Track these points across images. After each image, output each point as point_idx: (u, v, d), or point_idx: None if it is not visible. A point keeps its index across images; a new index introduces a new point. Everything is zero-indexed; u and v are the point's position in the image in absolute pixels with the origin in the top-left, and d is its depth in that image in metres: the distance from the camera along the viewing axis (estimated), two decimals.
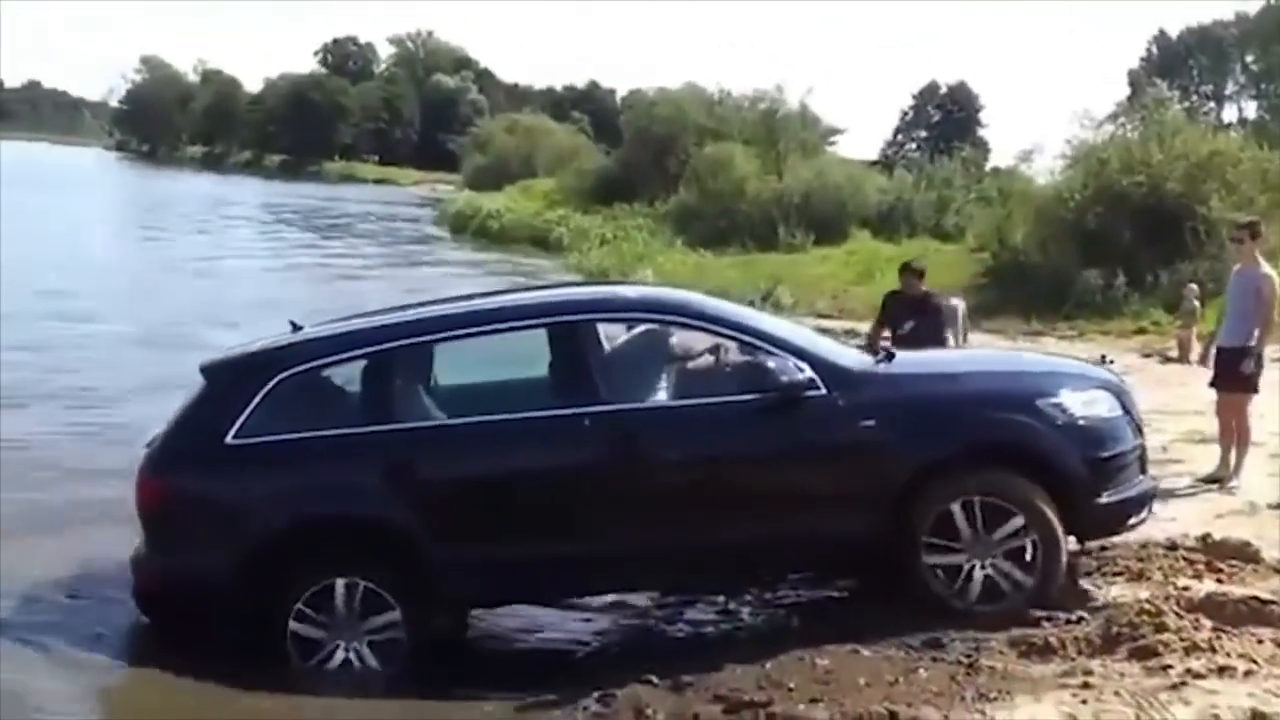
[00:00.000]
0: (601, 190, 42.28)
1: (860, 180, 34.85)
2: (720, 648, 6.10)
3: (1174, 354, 16.22)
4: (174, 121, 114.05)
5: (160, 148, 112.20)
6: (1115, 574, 6.65)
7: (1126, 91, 53.77)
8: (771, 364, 6.16)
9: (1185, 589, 6.23)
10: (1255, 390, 9.09)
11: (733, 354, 6.72)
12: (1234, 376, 9.04)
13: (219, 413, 6.22)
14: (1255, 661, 5.17)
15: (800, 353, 6.27)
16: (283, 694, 5.88)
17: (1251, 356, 8.98)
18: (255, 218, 47.64)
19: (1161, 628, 5.48)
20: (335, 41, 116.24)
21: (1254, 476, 8.84)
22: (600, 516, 6.14)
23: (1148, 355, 16.92)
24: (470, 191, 56.24)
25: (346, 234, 42.05)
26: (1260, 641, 5.41)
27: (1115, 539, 6.94)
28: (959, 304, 15.55)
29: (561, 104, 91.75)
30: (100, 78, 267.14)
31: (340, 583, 6.01)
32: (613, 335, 6.77)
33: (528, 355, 6.65)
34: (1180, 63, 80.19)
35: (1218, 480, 8.92)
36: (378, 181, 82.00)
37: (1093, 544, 6.94)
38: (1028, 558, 6.09)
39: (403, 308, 7.29)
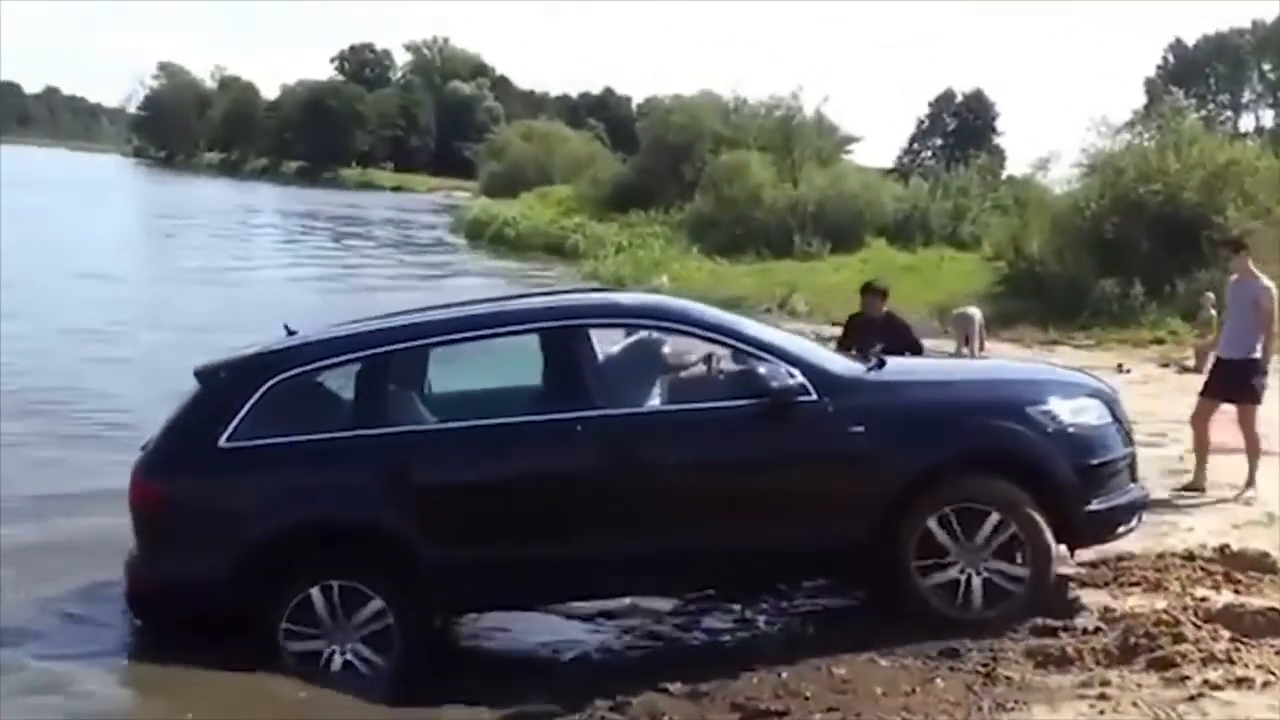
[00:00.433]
0: (617, 197, 42.31)
1: (876, 188, 34.79)
2: (737, 656, 6.09)
3: (1191, 363, 16.13)
4: (192, 128, 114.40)
5: (178, 154, 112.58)
6: (1133, 584, 6.63)
7: (1143, 100, 53.70)
8: (762, 369, 6.17)
9: (1203, 600, 6.22)
10: (1259, 401, 9.12)
11: (724, 360, 6.75)
12: (1242, 389, 9.06)
13: (212, 416, 6.23)
14: (1273, 673, 5.15)
15: (791, 358, 6.28)
16: (285, 705, 5.81)
17: (1260, 370, 9.03)
18: (279, 225, 47.83)
19: (1179, 638, 5.47)
20: (352, 49, 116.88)
21: (1271, 487, 8.80)
22: (592, 521, 6.14)
23: (1165, 364, 16.88)
24: (486, 199, 56.23)
25: (367, 241, 42.15)
26: (1278, 653, 5.39)
27: (1135, 549, 6.94)
28: (975, 313, 15.62)
29: (577, 110, 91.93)
30: (118, 84, 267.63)
31: (315, 591, 5.98)
32: (606, 341, 6.77)
33: (521, 360, 6.65)
34: (1197, 71, 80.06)
35: (1197, 489, 8.94)
36: (394, 189, 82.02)
37: (1110, 554, 6.94)
38: (1016, 554, 6.11)
39: (397, 313, 7.26)
